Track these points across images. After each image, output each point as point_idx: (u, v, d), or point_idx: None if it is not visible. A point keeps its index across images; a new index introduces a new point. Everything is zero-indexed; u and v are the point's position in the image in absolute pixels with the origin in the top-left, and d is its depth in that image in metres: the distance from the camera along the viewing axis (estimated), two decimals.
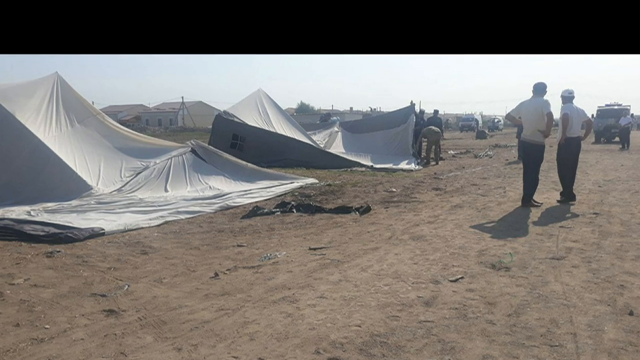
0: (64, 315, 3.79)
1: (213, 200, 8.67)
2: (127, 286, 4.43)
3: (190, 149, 10.76)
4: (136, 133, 11.51)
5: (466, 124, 56.76)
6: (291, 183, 10.58)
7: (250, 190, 9.69)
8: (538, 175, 8.32)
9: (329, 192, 9.86)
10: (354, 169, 14.34)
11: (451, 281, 4.45)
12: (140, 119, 75.89)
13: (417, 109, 19.81)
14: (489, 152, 20.48)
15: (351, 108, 79.85)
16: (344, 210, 7.86)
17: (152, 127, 57.79)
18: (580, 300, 3.96)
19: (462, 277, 4.55)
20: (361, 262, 5.08)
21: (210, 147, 11.74)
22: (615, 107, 30.16)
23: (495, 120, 60.29)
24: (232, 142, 15.43)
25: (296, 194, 9.65)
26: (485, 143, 28.81)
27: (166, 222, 7.17)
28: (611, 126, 27.51)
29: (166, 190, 9.35)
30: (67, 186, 8.48)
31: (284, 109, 19.68)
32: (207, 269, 4.99)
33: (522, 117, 8.30)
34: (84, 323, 3.64)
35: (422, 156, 17.13)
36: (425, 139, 17.00)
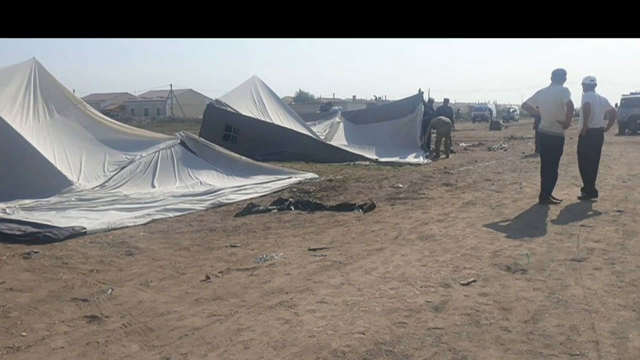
0: (42, 321, 3.79)
1: (204, 197, 8.67)
2: (110, 290, 4.43)
3: (179, 141, 10.74)
4: (121, 124, 11.48)
5: (479, 113, 56.67)
6: (289, 178, 10.57)
7: (245, 186, 9.69)
8: (557, 169, 8.31)
9: (330, 188, 9.85)
10: (357, 162, 14.34)
11: (463, 284, 4.45)
12: (125, 109, 75.83)
13: (425, 97, 19.80)
14: (503, 145, 20.47)
15: (354, 97, 79.75)
16: (346, 207, 7.85)
17: (138, 118, 57.74)
18: (603, 306, 3.96)
19: (474, 280, 4.54)
20: (365, 264, 5.08)
21: (201, 139, 11.72)
22: None
23: (511, 110, 60.20)
24: (225, 133, 15.40)
25: (294, 190, 9.65)
26: (499, 135, 28.79)
27: (153, 221, 7.17)
28: (636, 116, 27.45)
29: (153, 186, 9.35)
30: (46, 181, 8.46)
31: (281, 97, 19.64)
32: (197, 271, 4.98)
33: (539, 106, 8.28)
34: (64, 330, 3.64)
35: (431, 149, 17.12)
36: (435, 130, 16.98)
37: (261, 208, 7.84)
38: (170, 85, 71.49)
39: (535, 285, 4.42)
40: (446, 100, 19.64)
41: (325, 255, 5.40)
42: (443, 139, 16.65)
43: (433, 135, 17.80)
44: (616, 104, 27.79)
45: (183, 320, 3.78)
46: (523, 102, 8.90)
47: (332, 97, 74.80)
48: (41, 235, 6.11)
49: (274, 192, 9.38)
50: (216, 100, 16.44)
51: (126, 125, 11.81)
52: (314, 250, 5.62)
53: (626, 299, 4.08)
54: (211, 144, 11.37)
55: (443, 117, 16.67)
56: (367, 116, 19.70)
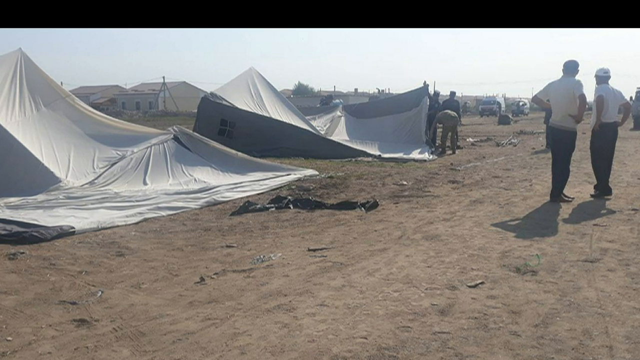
0: (29, 325, 3.79)
1: (198, 195, 8.67)
2: (100, 292, 4.42)
3: (172, 136, 10.73)
4: (111, 118, 11.47)
5: (487, 107, 56.67)
6: (287, 175, 10.56)
7: (241, 183, 9.68)
8: (569, 166, 8.31)
9: (331, 185, 9.85)
10: (359, 159, 14.33)
11: (470, 287, 4.45)
12: (116, 102, 75.90)
13: (431, 90, 19.75)
14: (512, 140, 20.47)
15: (356, 89, 79.80)
16: (347, 206, 7.85)
17: (129, 111, 57.78)
18: (617, 309, 3.96)
19: (482, 282, 4.54)
20: (367, 265, 5.08)
21: (195, 134, 11.72)
22: None
23: (520, 104, 60.22)
24: (220, 128, 15.40)
25: (293, 187, 9.64)
26: (508, 129, 28.79)
27: (145, 220, 7.17)
28: None
29: (145, 183, 9.35)
30: (32, 178, 8.46)
31: (279, 90, 19.63)
32: (191, 272, 4.98)
33: (550, 99, 8.26)
34: (51, 334, 3.63)
35: (437, 144, 17.11)
36: (441, 125, 16.96)
37: (258, 206, 7.83)
38: (163, 77, 71.58)
39: (546, 288, 4.42)
40: (452, 93, 19.62)
41: (325, 256, 5.40)
42: (449, 134, 16.64)
43: (439, 130, 17.77)
44: (631, 97, 27.72)
45: (176, 324, 3.78)
46: (533, 95, 8.89)
47: (332, 90, 74.84)
48: (27, 235, 6.10)
49: (271, 190, 9.37)
50: (211, 94, 16.43)
51: (117, 120, 11.81)
52: (314, 250, 5.62)
53: None
54: (206, 139, 11.36)
55: (449, 111, 16.65)
56: (369, 110, 19.69)
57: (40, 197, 8.06)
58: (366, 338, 3.51)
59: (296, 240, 6.14)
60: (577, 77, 8.01)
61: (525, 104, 59.98)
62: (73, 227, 6.48)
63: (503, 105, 58.69)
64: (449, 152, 16.34)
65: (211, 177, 10.01)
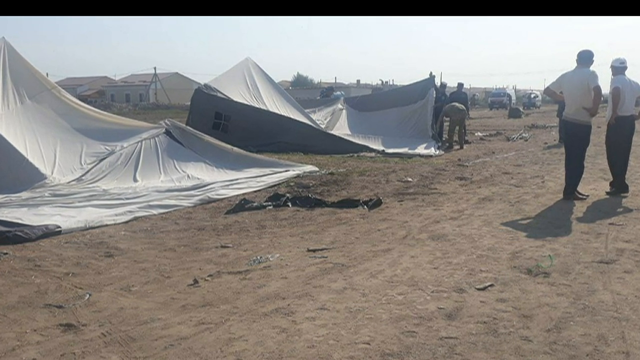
0: (13, 330, 3.79)
1: (192, 192, 8.67)
2: (88, 295, 4.42)
3: (164, 130, 10.74)
4: (99, 111, 11.48)
5: (497, 100, 56.70)
6: (286, 171, 10.58)
7: (237, 179, 9.68)
8: (583, 161, 8.30)
9: (332, 182, 9.85)
10: (361, 154, 14.35)
11: (478, 289, 4.44)
12: (105, 94, 75.79)
13: (437, 81, 19.75)
14: (523, 134, 20.47)
15: (358, 81, 79.68)
16: (349, 204, 7.85)
17: (119, 104, 57.72)
18: (634, 313, 3.96)
19: (491, 285, 4.54)
20: (370, 267, 5.08)
21: (188, 127, 11.72)
22: None
23: (532, 96, 60.14)
24: (215, 121, 15.41)
25: (292, 184, 9.65)
26: (519, 123, 28.76)
27: (135, 219, 7.17)
28: None
29: (135, 180, 9.35)
30: (16, 175, 8.47)
31: (277, 81, 19.62)
32: (184, 274, 4.98)
33: (564, 92, 8.25)
34: (36, 340, 3.63)
35: (444, 139, 17.11)
36: (448, 118, 16.96)
37: (255, 204, 7.84)
38: (154, 68, 71.41)
39: (559, 290, 4.42)
40: (460, 85, 19.61)
41: (326, 257, 5.40)
42: (457, 127, 16.64)
43: (446, 124, 17.78)
44: None
45: (168, 329, 3.78)
46: (545, 87, 8.87)
47: (333, 81, 74.70)
48: (11, 235, 6.09)
49: (269, 187, 9.38)
50: (205, 85, 16.43)
51: (105, 113, 11.83)
52: (314, 251, 5.62)
53: None
54: (200, 133, 11.37)
55: (457, 104, 16.64)
56: (372, 103, 19.69)
57: (25, 194, 8.06)
58: (369, 344, 3.51)
59: (295, 240, 6.14)
60: (591, 68, 7.99)
61: (537, 96, 59.87)
62: (59, 227, 6.48)
63: (514, 98, 58.76)
64: (457, 147, 16.34)
65: (205, 173, 10.01)
